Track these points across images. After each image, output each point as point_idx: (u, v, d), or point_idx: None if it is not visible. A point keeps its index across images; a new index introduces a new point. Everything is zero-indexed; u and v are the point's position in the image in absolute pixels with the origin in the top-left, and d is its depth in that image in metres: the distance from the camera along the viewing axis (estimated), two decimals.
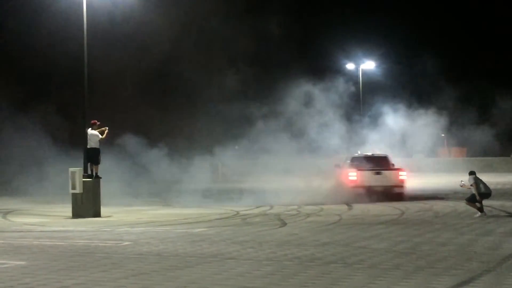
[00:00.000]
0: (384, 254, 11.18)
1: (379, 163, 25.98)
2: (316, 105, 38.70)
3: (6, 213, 21.09)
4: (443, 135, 42.54)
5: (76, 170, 19.44)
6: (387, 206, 21.72)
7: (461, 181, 18.86)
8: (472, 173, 18.57)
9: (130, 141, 33.28)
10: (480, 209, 17.90)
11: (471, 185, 18.16)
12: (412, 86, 39.04)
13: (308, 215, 19.04)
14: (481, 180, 18.34)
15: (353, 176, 25.06)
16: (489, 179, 21.79)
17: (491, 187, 18.97)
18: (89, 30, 20.52)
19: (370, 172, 24.92)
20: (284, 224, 16.65)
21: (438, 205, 21.70)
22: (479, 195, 18.02)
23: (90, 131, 20.16)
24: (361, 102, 42.81)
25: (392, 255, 11.07)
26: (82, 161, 20.13)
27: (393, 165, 25.95)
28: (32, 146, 36.16)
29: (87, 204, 19.27)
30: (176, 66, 42.87)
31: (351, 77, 46.03)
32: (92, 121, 20.37)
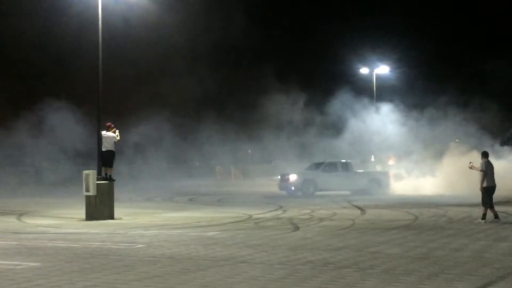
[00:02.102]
0: (398, 259, 11.13)
1: None
2: (331, 112, 38.88)
3: (20, 214, 21.23)
4: (457, 140, 42.30)
5: (90, 173, 19.51)
6: (401, 211, 21.62)
7: (470, 162, 17.87)
8: (485, 154, 17.33)
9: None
10: (496, 214, 17.41)
11: (480, 171, 17.08)
12: (427, 90, 38.92)
13: (321, 219, 18.99)
14: (492, 167, 17.17)
15: None
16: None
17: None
18: (103, 33, 20.62)
19: None
20: (297, 228, 16.62)
21: (452, 211, 21.56)
22: (484, 189, 17.03)
23: (105, 133, 20.24)
24: (375, 107, 42.71)
25: (405, 260, 11.01)
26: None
27: None
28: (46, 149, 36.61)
29: (100, 207, 19.34)
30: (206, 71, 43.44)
31: (365, 82, 46.03)
32: (107, 124, 20.46)
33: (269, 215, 20.83)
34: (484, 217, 17.30)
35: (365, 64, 45.64)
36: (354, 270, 10.06)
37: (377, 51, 46.77)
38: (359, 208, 23.39)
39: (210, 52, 49.68)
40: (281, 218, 19.72)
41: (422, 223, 17.77)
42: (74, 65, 38.79)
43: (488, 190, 17.20)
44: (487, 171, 17.13)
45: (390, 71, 45.71)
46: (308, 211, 21.93)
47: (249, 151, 45.44)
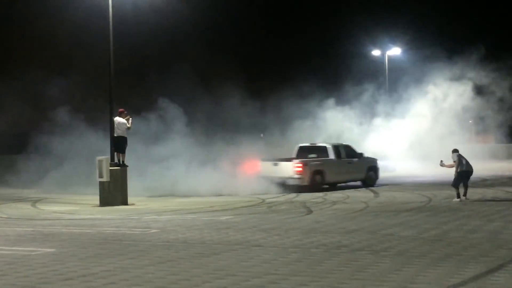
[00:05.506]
0: (412, 241, 11.10)
1: None
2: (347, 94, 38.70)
3: (35, 201, 21.38)
4: (470, 121, 42.00)
5: (103, 159, 19.58)
6: (414, 193, 21.56)
7: (441, 160, 19.12)
8: (455, 150, 18.86)
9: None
10: (458, 195, 18.52)
11: (454, 162, 18.68)
12: (438, 72, 38.48)
13: (334, 202, 18.98)
14: (464, 158, 18.76)
15: None
16: None
17: None
18: (114, 21, 20.58)
19: None
20: (310, 211, 16.63)
21: None
22: (458, 173, 18.51)
23: (118, 119, 20.28)
24: (387, 89, 42.46)
25: (419, 242, 10.99)
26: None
27: None
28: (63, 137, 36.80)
29: (114, 192, 19.44)
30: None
31: (377, 64, 45.70)
32: (120, 110, 20.51)
33: (282, 199, 20.85)
34: (458, 196, 18.56)
35: (377, 46, 45.32)
36: (367, 252, 10.05)
37: (390, 33, 46.35)
38: (372, 190, 23.35)
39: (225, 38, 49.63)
40: (294, 201, 19.72)
41: (436, 204, 17.72)
42: (84, 54, 38.79)
43: (462, 173, 18.67)
44: (461, 162, 18.72)
45: (402, 52, 45.33)
46: (321, 194, 21.92)
47: (262, 135, 45.37)
